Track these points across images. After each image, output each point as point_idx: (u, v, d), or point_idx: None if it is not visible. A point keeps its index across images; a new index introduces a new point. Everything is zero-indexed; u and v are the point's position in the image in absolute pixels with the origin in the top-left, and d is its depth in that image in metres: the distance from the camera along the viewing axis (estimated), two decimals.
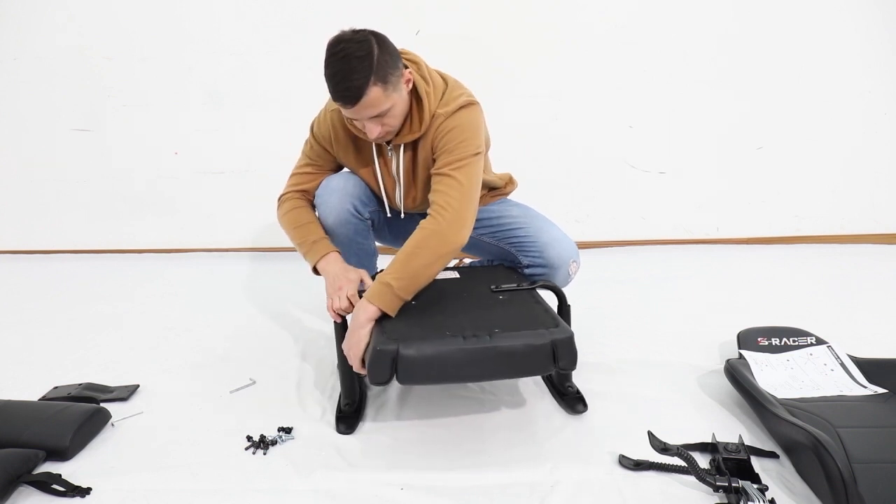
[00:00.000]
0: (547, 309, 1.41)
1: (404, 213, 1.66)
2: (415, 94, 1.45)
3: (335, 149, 1.59)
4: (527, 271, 1.63)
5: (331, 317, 1.47)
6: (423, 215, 1.48)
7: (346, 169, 1.67)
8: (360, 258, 1.67)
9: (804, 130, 2.71)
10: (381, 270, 1.43)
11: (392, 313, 1.36)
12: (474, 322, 1.33)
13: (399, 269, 1.36)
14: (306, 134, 1.64)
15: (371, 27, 1.36)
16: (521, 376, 1.56)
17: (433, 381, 1.50)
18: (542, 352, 1.27)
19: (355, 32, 1.33)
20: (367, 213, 1.63)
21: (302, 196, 1.63)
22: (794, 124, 2.70)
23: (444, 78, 1.52)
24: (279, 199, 1.65)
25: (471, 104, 1.48)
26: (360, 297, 1.40)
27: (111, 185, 2.89)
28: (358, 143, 1.56)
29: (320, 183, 1.62)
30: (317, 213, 1.62)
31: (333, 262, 1.53)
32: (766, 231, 2.83)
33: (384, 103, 1.35)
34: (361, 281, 1.49)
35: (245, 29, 2.65)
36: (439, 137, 1.46)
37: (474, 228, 1.53)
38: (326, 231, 1.61)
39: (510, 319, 1.34)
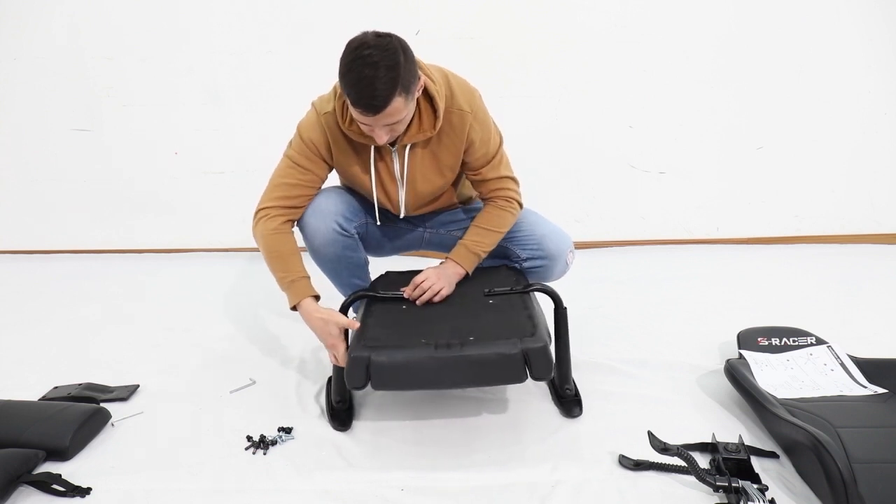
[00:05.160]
0: (531, 315, 1.40)
1: (405, 215, 1.64)
2: (424, 93, 1.43)
3: (334, 154, 1.53)
4: (525, 264, 1.65)
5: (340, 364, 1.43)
6: (424, 219, 1.50)
7: (329, 184, 1.64)
8: (352, 271, 1.68)
9: (804, 130, 2.70)
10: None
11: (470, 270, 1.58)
12: (453, 330, 1.35)
13: (483, 238, 1.59)
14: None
15: (371, 27, 1.33)
16: (494, 385, 1.56)
17: (405, 388, 1.50)
18: (513, 361, 1.26)
19: (379, 37, 1.28)
20: (354, 229, 1.62)
21: (285, 213, 1.54)
22: (794, 124, 2.70)
23: (440, 71, 1.50)
24: (258, 210, 1.55)
25: (476, 92, 1.52)
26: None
27: (111, 185, 2.89)
28: (356, 147, 1.52)
29: (307, 197, 1.56)
30: (303, 234, 1.60)
31: (309, 312, 1.46)
32: (766, 231, 2.82)
33: (403, 112, 1.33)
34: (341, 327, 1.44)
35: (245, 29, 2.65)
36: (474, 132, 1.49)
37: None
38: (314, 251, 1.61)
39: (489, 327, 1.35)
